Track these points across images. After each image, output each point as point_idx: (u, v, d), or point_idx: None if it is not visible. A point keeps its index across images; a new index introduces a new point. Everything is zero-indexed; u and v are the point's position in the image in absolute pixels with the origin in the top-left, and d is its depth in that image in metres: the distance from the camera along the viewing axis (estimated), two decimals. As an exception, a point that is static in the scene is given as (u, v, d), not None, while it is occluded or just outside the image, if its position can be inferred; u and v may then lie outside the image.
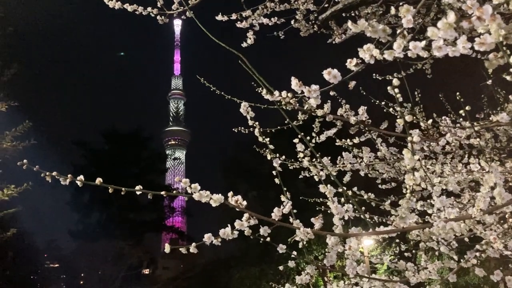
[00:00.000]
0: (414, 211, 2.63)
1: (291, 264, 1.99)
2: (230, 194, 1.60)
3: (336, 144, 3.46)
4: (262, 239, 1.69)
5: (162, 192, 1.51)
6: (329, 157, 3.15)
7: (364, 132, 3.36)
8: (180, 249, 1.52)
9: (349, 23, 1.35)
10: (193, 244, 1.45)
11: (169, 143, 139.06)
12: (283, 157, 3.13)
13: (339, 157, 3.47)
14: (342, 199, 1.91)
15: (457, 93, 2.28)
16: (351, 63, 1.40)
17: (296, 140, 2.17)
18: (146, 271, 29.94)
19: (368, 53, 1.26)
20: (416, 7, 1.17)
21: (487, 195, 1.90)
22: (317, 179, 1.96)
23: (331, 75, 1.41)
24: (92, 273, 18.84)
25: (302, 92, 1.55)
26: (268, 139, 2.02)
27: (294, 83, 1.52)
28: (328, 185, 1.81)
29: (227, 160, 26.98)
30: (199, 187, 1.45)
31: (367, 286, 2.12)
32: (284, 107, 1.95)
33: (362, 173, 3.54)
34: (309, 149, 2.22)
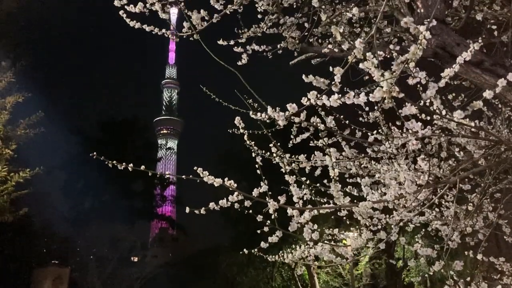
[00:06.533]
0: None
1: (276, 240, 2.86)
2: (226, 179, 2.46)
3: (310, 145, 4.34)
4: (246, 211, 2.56)
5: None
6: (305, 155, 4.11)
7: (331, 136, 4.25)
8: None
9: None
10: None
11: (162, 132, 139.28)
12: (268, 153, 4.01)
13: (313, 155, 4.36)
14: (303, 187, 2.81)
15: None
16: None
17: (271, 145, 3.05)
18: (135, 259, 30.36)
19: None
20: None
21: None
22: (284, 172, 2.85)
23: (291, 107, 2.29)
24: (89, 254, 19.70)
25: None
26: (253, 142, 2.90)
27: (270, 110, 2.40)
28: (292, 176, 2.70)
29: (221, 151, 27.61)
30: (207, 173, 2.32)
31: (319, 248, 3.02)
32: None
33: (330, 168, 4.42)
34: (280, 151, 3.10)
